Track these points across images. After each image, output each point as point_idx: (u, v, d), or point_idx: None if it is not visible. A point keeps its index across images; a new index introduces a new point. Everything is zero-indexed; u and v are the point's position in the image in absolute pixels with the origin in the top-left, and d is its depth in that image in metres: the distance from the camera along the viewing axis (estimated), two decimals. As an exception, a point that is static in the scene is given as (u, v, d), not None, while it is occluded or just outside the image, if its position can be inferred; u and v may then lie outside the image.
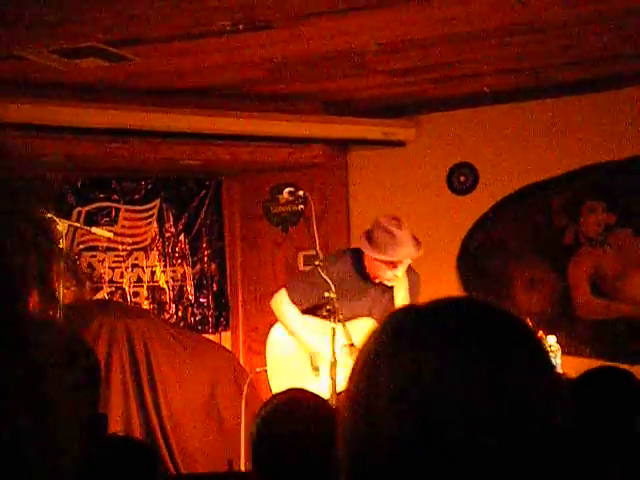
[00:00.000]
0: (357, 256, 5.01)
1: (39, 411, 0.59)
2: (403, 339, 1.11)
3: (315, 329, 4.89)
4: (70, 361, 0.64)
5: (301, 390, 3.30)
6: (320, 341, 4.80)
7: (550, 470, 1.03)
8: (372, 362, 1.11)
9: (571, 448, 1.06)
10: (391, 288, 5.00)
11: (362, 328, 4.87)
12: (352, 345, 4.89)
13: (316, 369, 4.90)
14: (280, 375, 5.01)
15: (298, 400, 2.82)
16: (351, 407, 1.12)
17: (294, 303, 4.93)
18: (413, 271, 5.02)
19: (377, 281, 4.96)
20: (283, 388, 4.88)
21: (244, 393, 5.27)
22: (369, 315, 4.99)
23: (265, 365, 5.12)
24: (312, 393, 2.89)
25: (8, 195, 0.59)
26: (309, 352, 4.94)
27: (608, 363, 5.74)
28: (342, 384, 4.73)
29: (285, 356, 5.03)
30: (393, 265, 4.80)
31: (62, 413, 0.61)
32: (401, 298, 4.98)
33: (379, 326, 1.15)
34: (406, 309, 1.16)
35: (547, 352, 1.13)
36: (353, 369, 1.13)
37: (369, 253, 4.81)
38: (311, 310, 4.98)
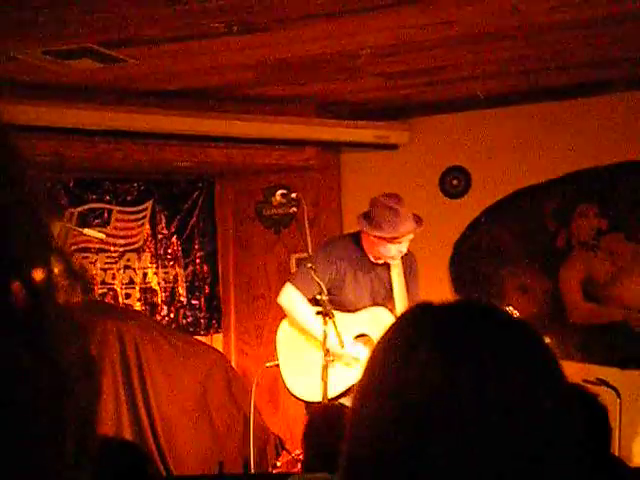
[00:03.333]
0: (354, 240, 5.05)
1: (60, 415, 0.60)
2: (404, 339, 1.11)
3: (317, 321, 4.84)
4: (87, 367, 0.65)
5: None
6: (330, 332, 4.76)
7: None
8: (375, 358, 1.12)
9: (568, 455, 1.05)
10: (388, 271, 5.03)
11: (377, 317, 4.94)
12: (363, 335, 4.94)
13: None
14: (294, 367, 5.00)
15: None
16: (354, 398, 1.13)
17: (300, 290, 4.92)
18: (409, 252, 5.04)
19: (380, 262, 5.01)
20: (298, 381, 4.93)
21: (253, 389, 5.26)
22: (372, 299, 5.03)
23: (274, 360, 5.10)
24: None
25: (16, 194, 0.60)
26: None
27: (599, 368, 5.77)
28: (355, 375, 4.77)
29: (297, 347, 5.03)
30: (398, 241, 4.83)
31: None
32: (397, 280, 5.02)
33: (392, 323, 1.15)
34: (420, 308, 1.15)
35: (555, 360, 1.11)
36: (366, 363, 1.14)
37: (374, 233, 4.83)
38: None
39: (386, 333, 1.14)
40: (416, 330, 1.11)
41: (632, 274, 6.16)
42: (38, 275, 0.59)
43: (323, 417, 3.34)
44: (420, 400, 1.03)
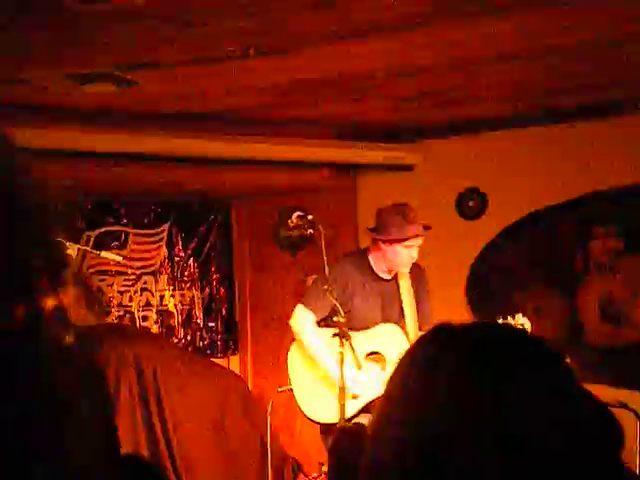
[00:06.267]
0: (361, 258, 5.08)
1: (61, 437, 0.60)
2: (426, 359, 1.10)
3: (333, 343, 4.83)
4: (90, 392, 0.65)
5: None
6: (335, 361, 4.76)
7: None
8: (396, 379, 1.12)
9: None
10: (397, 287, 5.05)
11: (389, 335, 4.94)
12: (375, 353, 4.95)
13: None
14: (307, 390, 5.00)
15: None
16: (375, 418, 1.12)
17: (312, 310, 4.94)
18: (418, 265, 5.06)
19: (389, 277, 5.04)
20: (312, 403, 4.95)
21: (268, 412, 5.26)
22: (382, 316, 5.03)
23: (287, 384, 5.10)
24: None
25: (29, 219, 0.60)
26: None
27: (617, 390, 5.73)
28: (374, 392, 4.76)
29: (309, 369, 5.03)
30: (410, 244, 4.88)
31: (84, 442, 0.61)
32: (406, 294, 5.04)
33: (413, 344, 1.15)
34: (441, 329, 1.15)
35: (574, 377, 1.11)
36: (390, 377, 1.14)
37: (387, 237, 4.87)
38: (327, 319, 4.97)
39: (407, 353, 1.14)
40: (438, 350, 1.11)
41: (650, 295, 6.13)
42: (45, 303, 0.60)
43: (349, 438, 3.31)
44: (443, 420, 1.03)
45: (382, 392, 1.17)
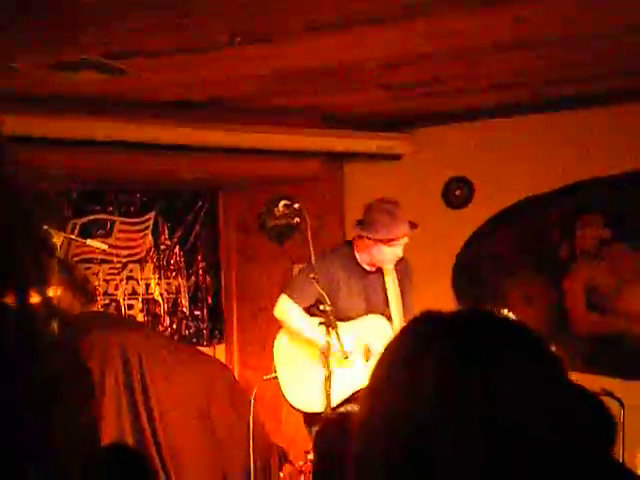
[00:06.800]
0: (347, 250, 5.08)
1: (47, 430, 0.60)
2: (413, 345, 1.10)
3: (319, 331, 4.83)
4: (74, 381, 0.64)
5: None
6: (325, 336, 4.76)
7: None
8: (383, 364, 1.11)
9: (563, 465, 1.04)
10: (382, 279, 5.05)
11: (374, 326, 4.95)
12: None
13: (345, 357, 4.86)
14: (292, 379, 5.01)
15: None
16: (362, 406, 1.12)
17: (295, 301, 4.94)
18: (403, 258, 5.07)
19: (373, 270, 5.02)
20: (297, 392, 4.95)
21: (252, 401, 5.25)
22: (367, 308, 5.04)
23: (272, 372, 5.10)
24: None
25: (13, 207, 0.60)
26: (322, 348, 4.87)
27: (602, 378, 5.75)
28: (358, 382, 4.78)
29: (295, 358, 5.04)
30: (394, 244, 4.89)
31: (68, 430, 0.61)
32: (391, 287, 5.05)
33: (400, 331, 1.15)
34: (427, 316, 1.15)
35: (560, 361, 1.11)
36: (373, 369, 1.14)
37: (370, 235, 4.85)
38: (313, 309, 4.96)
39: (394, 340, 1.14)
40: (425, 337, 1.11)
41: (636, 284, 6.15)
42: (33, 296, 0.59)
43: (334, 428, 3.32)
44: (429, 412, 1.03)
45: (366, 383, 1.17)
